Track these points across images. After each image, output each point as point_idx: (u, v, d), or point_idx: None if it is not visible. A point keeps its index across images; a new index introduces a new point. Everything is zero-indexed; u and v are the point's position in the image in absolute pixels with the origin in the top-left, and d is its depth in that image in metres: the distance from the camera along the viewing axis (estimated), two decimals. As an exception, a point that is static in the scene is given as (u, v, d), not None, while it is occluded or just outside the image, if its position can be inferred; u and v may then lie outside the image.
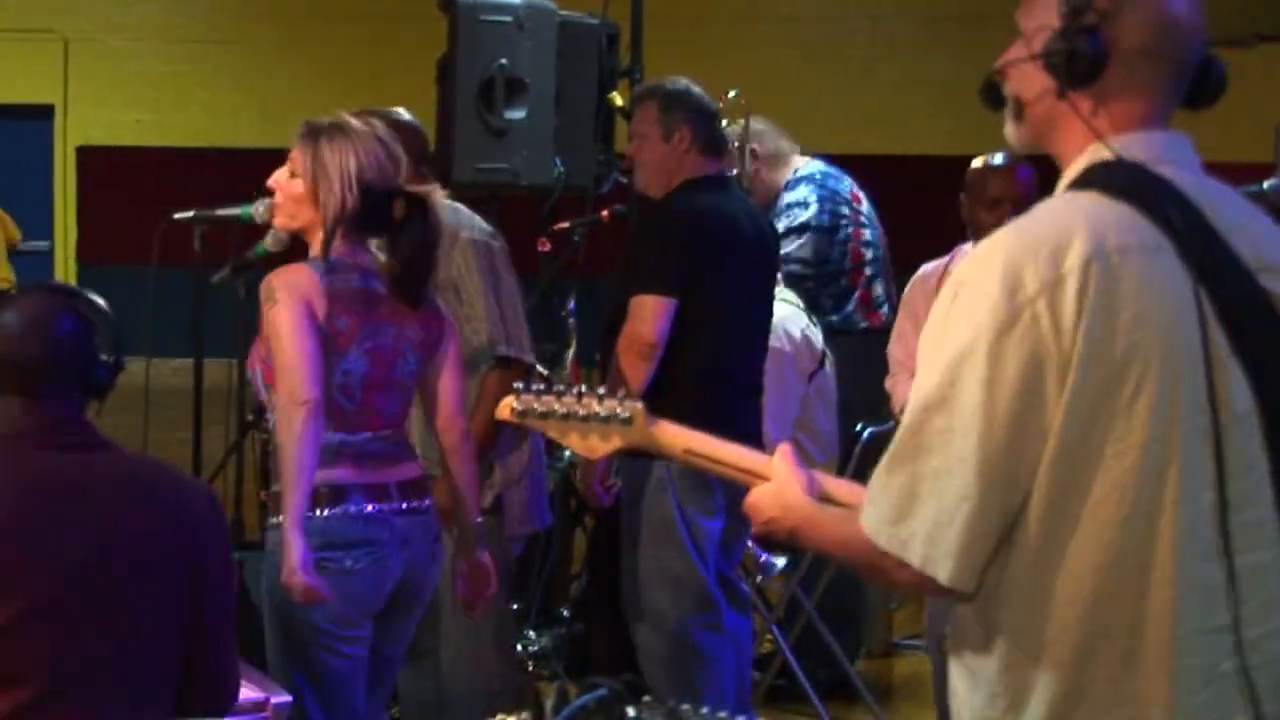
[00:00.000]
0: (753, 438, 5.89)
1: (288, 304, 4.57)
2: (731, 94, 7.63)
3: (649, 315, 5.76)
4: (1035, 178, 5.74)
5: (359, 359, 4.67)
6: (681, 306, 5.77)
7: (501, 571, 5.84)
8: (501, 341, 5.70)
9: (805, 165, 7.71)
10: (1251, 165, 7.48)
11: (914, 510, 2.64)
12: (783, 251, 6.97)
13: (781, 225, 7.44)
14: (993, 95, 2.89)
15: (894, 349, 6.08)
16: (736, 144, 7.46)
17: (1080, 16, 2.74)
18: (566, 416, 3.13)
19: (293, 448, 4.54)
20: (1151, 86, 2.75)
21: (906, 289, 6.22)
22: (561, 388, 3.15)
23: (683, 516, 5.85)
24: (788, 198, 7.55)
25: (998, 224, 5.59)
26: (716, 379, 5.88)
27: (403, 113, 5.75)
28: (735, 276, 5.93)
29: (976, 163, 5.94)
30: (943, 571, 2.63)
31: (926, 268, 6.14)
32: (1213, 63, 2.81)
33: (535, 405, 3.15)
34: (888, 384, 6.07)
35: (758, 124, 7.71)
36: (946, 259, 6.07)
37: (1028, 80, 2.81)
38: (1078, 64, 2.74)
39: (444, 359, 4.90)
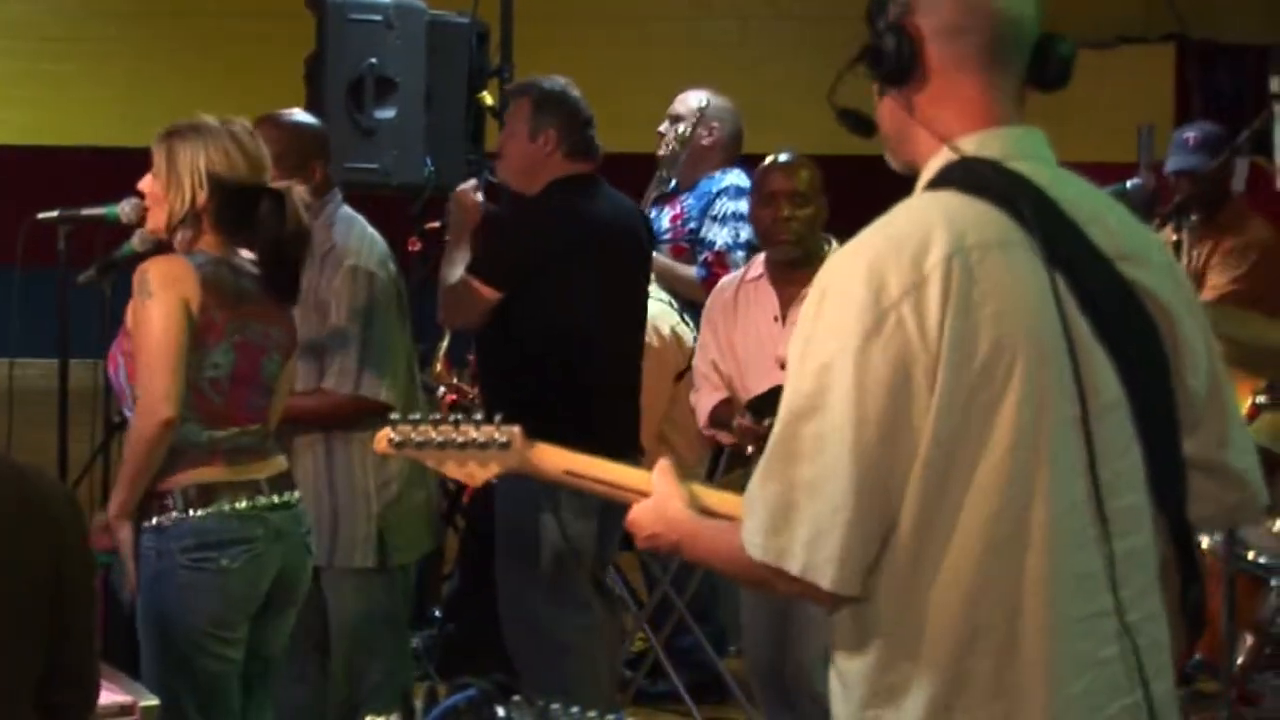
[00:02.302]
0: (630, 444, 5.91)
1: (162, 300, 4.54)
2: (705, 101, 7.66)
3: (464, 295, 5.78)
4: (820, 180, 5.73)
5: (227, 352, 4.65)
6: (539, 311, 5.75)
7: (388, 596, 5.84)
8: (349, 383, 5.66)
9: (739, 175, 7.59)
10: (1114, 165, 7.55)
11: (791, 519, 2.64)
12: (731, 269, 6.89)
13: (724, 232, 7.41)
14: (847, 119, 2.88)
15: (698, 361, 6.02)
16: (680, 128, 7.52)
17: (880, 14, 2.77)
18: (444, 445, 3.13)
19: (143, 456, 4.58)
20: (969, 64, 2.76)
21: (707, 302, 6.17)
22: (437, 416, 3.15)
23: (557, 518, 5.84)
24: (731, 206, 7.45)
25: (774, 220, 5.64)
26: (587, 387, 5.87)
27: (297, 113, 5.73)
28: (600, 281, 5.90)
29: (768, 158, 5.87)
30: (825, 578, 2.63)
31: (723, 281, 6.13)
32: (1052, 40, 2.81)
33: (412, 435, 3.15)
34: (691, 398, 6.04)
35: (722, 102, 7.72)
36: (743, 270, 6.05)
37: (876, 95, 2.84)
38: (885, 61, 2.76)
39: (292, 366, 4.95)
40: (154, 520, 4.64)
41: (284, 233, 4.70)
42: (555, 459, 3.15)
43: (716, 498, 3.00)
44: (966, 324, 2.60)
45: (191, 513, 4.62)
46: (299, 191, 4.78)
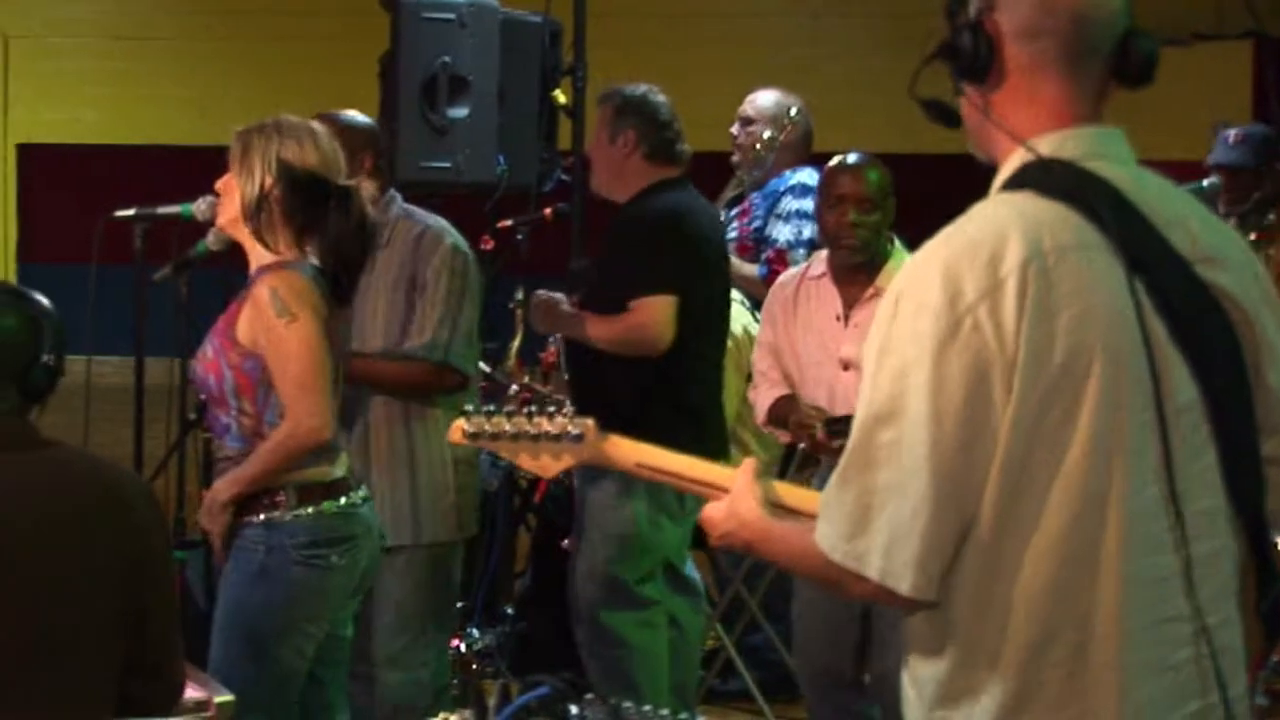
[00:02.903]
0: (723, 446, 5.95)
1: (308, 321, 4.59)
2: (795, 109, 7.66)
3: (653, 314, 5.78)
4: (889, 183, 5.68)
5: (334, 355, 4.72)
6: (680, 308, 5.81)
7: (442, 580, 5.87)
8: (440, 347, 5.70)
9: (808, 173, 7.60)
10: (1189, 164, 7.51)
11: (869, 524, 2.63)
12: (791, 268, 6.96)
13: (787, 230, 7.43)
14: (932, 109, 2.87)
15: (757, 359, 6.00)
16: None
17: (960, 11, 2.75)
18: (517, 436, 3.14)
19: (280, 465, 4.66)
20: (1050, 67, 2.74)
21: (767, 300, 6.18)
22: (511, 408, 3.16)
23: (649, 519, 5.87)
24: (795, 204, 7.47)
25: (840, 225, 5.60)
26: (708, 384, 5.95)
27: (353, 115, 5.75)
28: (713, 276, 6.00)
29: (833, 160, 5.83)
30: (904, 584, 2.63)
31: (784, 277, 6.09)
32: (1134, 36, 2.79)
33: (486, 426, 3.16)
34: (750, 395, 6.02)
35: (793, 101, 7.72)
36: (804, 267, 6.02)
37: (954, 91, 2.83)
38: (963, 59, 2.74)
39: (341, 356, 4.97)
40: (263, 516, 4.69)
41: (347, 228, 4.71)
42: (628, 451, 3.16)
43: (795, 494, 2.99)
44: (1043, 329, 2.59)
45: (306, 510, 4.68)
46: (366, 188, 4.80)
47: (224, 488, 4.74)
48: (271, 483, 4.69)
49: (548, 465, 3.18)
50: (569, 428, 3.12)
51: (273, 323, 4.60)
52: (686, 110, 6.35)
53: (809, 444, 5.64)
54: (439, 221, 5.86)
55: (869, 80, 15.45)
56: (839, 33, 17.50)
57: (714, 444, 5.79)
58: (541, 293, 6.19)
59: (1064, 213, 2.66)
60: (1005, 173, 2.77)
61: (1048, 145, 2.73)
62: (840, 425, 5.43)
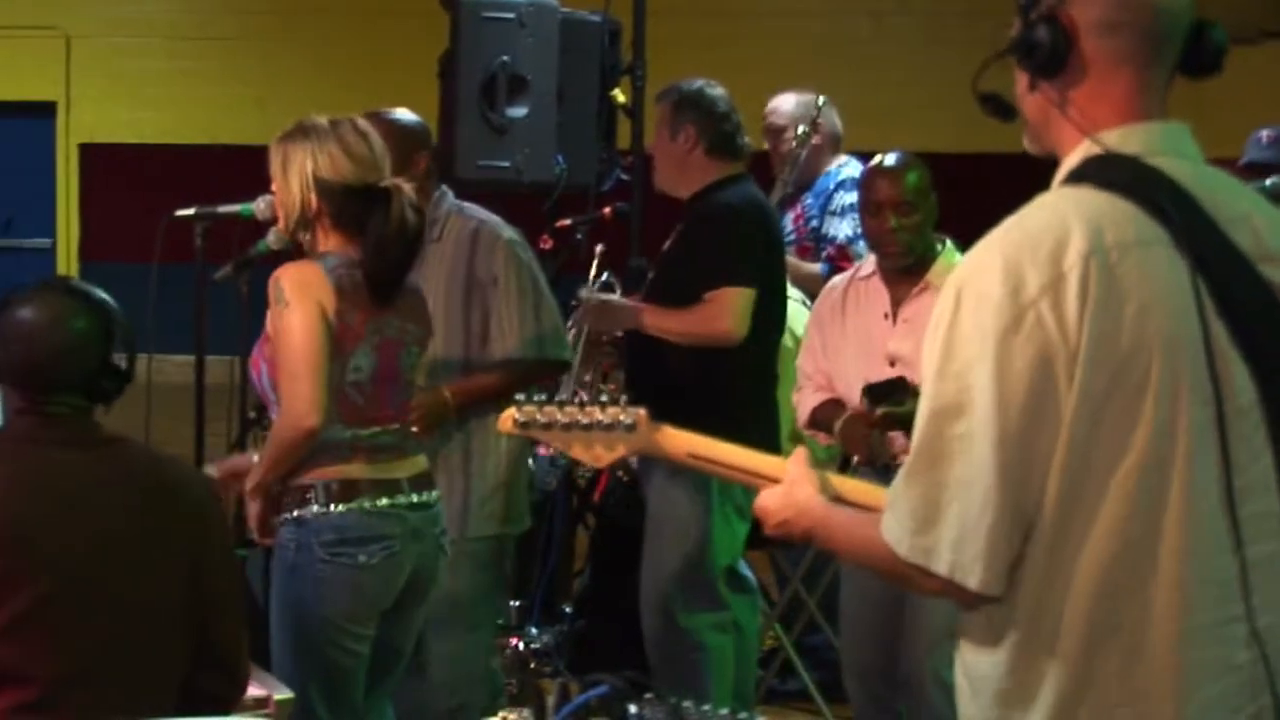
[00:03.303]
0: (775, 443, 5.94)
1: (300, 307, 4.58)
2: (821, 100, 7.66)
3: (729, 305, 5.79)
4: (927, 181, 5.64)
5: (368, 354, 4.70)
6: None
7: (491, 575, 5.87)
8: (533, 342, 5.71)
9: (854, 165, 7.62)
10: (1256, 163, 7.48)
11: (937, 519, 2.63)
12: (854, 262, 6.98)
13: (845, 225, 7.42)
14: (989, 104, 2.86)
15: (802, 361, 5.93)
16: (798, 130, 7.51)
17: (1035, 5, 2.73)
18: (569, 426, 3.13)
19: (284, 459, 4.66)
20: (1127, 61, 2.73)
21: (816, 303, 6.15)
22: (563, 397, 3.15)
23: (722, 514, 5.88)
24: (848, 198, 7.47)
25: (881, 230, 5.57)
26: (766, 377, 5.96)
27: (402, 113, 5.75)
28: (774, 270, 6.04)
29: (871, 162, 5.78)
30: (973, 578, 2.62)
31: (834, 280, 6.04)
32: (1205, 28, 2.78)
33: (538, 415, 3.15)
34: (794, 397, 5.99)
35: (811, 96, 7.72)
36: (855, 269, 5.99)
37: (1019, 82, 2.81)
38: (1038, 54, 2.73)
39: (426, 356, 5.00)
40: (294, 513, 4.70)
41: (388, 230, 4.71)
42: (680, 441, 3.14)
43: (849, 485, 2.98)
44: (1105, 324, 2.58)
45: (333, 507, 4.67)
46: (407, 190, 4.80)
47: (249, 477, 4.79)
48: (303, 479, 4.69)
49: (600, 455, 3.16)
50: (621, 417, 3.11)
51: (273, 311, 4.62)
52: (746, 109, 6.35)
53: (855, 450, 5.59)
54: (491, 217, 5.86)
55: (930, 78, 15.42)
56: (900, 31, 17.46)
57: (766, 438, 5.78)
58: (585, 292, 6.20)
59: (1126, 207, 2.65)
60: (1067, 165, 2.76)
61: (1112, 139, 2.71)
62: (875, 390, 5.41)
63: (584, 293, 6.30)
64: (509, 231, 5.82)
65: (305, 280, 4.62)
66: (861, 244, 7.26)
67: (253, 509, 4.77)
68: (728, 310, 5.83)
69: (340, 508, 4.68)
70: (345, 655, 4.74)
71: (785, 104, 7.71)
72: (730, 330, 5.83)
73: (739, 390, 5.87)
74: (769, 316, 6.00)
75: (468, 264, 5.70)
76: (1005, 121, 2.84)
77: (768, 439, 5.69)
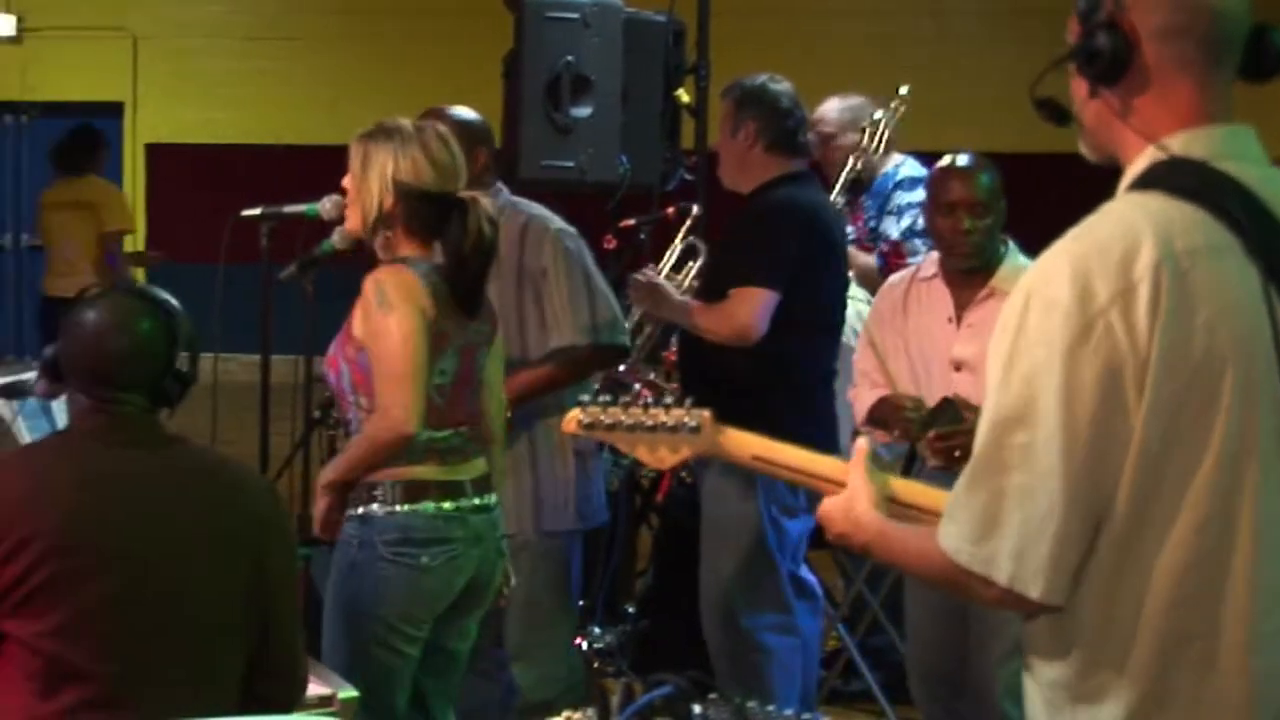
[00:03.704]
0: (830, 442, 5.92)
1: (405, 312, 4.59)
2: (904, 89, 7.62)
3: (749, 304, 5.78)
4: (999, 183, 5.61)
5: (452, 358, 4.73)
6: (789, 304, 5.78)
7: (565, 571, 5.87)
8: (586, 330, 5.71)
9: (912, 164, 7.60)
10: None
11: (998, 528, 2.61)
12: (909, 260, 6.98)
13: (903, 223, 7.40)
14: (1044, 109, 2.84)
15: (860, 359, 5.91)
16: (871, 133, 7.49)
17: (1095, 12, 2.71)
18: (633, 428, 3.12)
19: (371, 459, 4.66)
20: (1188, 66, 2.70)
21: (875, 300, 6.12)
22: (628, 398, 3.14)
23: (770, 518, 5.86)
24: (907, 197, 7.45)
25: (954, 230, 5.52)
26: (815, 379, 5.93)
27: (463, 110, 5.76)
28: (828, 269, 6.00)
29: (942, 162, 5.75)
30: (1034, 589, 2.60)
31: (893, 278, 6.00)
32: (1265, 31, 2.76)
33: (602, 417, 3.14)
34: (850, 394, 5.95)
35: (863, 99, 7.68)
36: (914, 268, 5.95)
37: (1076, 88, 2.79)
38: (1098, 61, 2.71)
39: (496, 352, 5.00)
40: (360, 510, 4.71)
41: (465, 244, 4.72)
42: (744, 444, 3.13)
43: (910, 489, 2.96)
44: (1177, 333, 2.56)
45: (399, 507, 4.68)
46: (485, 204, 4.80)
47: (325, 472, 4.80)
48: (371, 476, 4.70)
49: (664, 457, 3.15)
50: (685, 419, 3.10)
51: (373, 313, 4.62)
52: (811, 109, 6.35)
53: (901, 432, 5.57)
54: (541, 210, 5.87)
55: (992, 78, 15.36)
56: (963, 30, 17.40)
57: (818, 441, 5.76)
58: (641, 274, 6.19)
59: (1194, 213, 2.63)
60: (1133, 172, 2.73)
61: (1177, 144, 2.69)
62: (930, 417, 5.38)
63: (640, 273, 6.26)
64: (557, 223, 5.83)
65: (407, 284, 4.63)
66: (917, 241, 7.24)
67: (321, 504, 4.77)
68: (744, 309, 5.82)
69: (406, 508, 4.69)
70: (393, 656, 4.74)
71: (832, 110, 7.66)
72: (743, 329, 5.82)
73: (786, 392, 5.84)
74: (816, 318, 5.95)
75: (518, 257, 5.70)
76: (1061, 126, 2.83)
77: (820, 441, 5.67)
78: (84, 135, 12.35)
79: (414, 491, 4.70)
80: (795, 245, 5.88)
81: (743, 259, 5.94)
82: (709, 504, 6.01)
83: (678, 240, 6.88)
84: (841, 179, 7.44)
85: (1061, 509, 2.58)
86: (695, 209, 6.49)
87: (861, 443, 3.02)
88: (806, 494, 5.83)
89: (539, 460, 5.76)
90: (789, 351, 5.87)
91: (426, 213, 4.72)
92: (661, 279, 6.20)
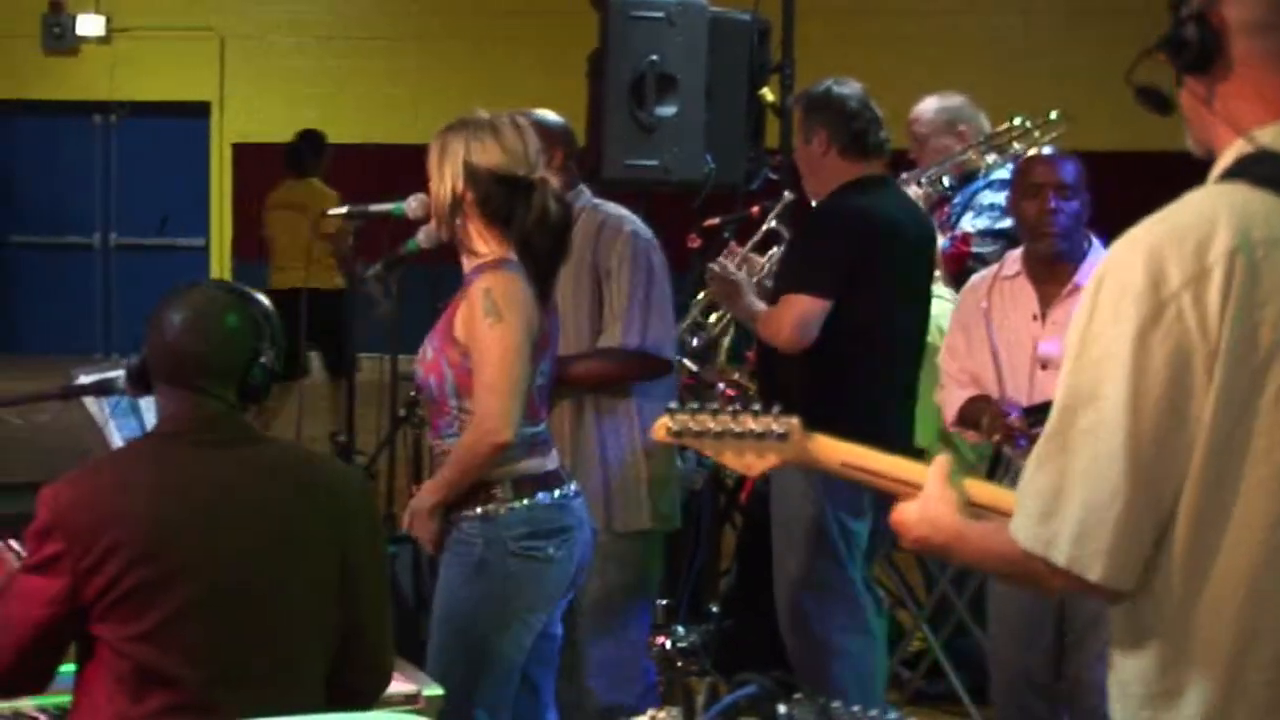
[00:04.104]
0: (906, 444, 5.88)
1: (512, 324, 4.63)
2: (1054, 115, 7.54)
3: (794, 313, 5.76)
4: (1083, 176, 5.58)
5: (548, 358, 4.76)
6: (842, 312, 5.75)
7: (637, 573, 5.88)
8: (635, 335, 5.71)
9: (1007, 167, 7.56)
10: None
11: (1060, 509, 2.60)
12: (974, 250, 6.94)
13: (980, 223, 7.37)
14: (1146, 97, 2.83)
15: (945, 360, 5.88)
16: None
17: (1186, 3, 2.70)
18: (721, 434, 3.12)
19: (472, 470, 4.70)
20: (1278, 60, 2.69)
21: (958, 301, 6.08)
22: (715, 405, 3.14)
23: (835, 519, 5.84)
24: (990, 197, 7.42)
25: (1039, 212, 5.49)
26: (876, 385, 5.88)
27: (544, 112, 5.77)
28: (894, 279, 5.92)
29: (1027, 154, 5.71)
30: (1094, 572, 2.59)
31: (976, 277, 5.97)
32: None
33: (690, 424, 3.14)
34: (937, 396, 5.91)
35: (961, 100, 7.62)
36: (996, 267, 5.91)
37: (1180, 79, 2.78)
38: (1186, 51, 2.70)
39: (555, 350, 5.01)
40: (479, 509, 4.74)
41: (529, 220, 4.74)
42: (833, 451, 3.12)
43: (989, 492, 2.95)
44: (1248, 321, 2.54)
45: (519, 503, 4.72)
46: (552, 183, 4.82)
47: (426, 495, 4.81)
48: (486, 477, 4.72)
49: (752, 464, 3.15)
50: (773, 426, 3.10)
51: (480, 321, 4.64)
52: (896, 108, 6.32)
53: (1003, 436, 5.54)
54: (620, 210, 5.86)
55: (1079, 75, 15.30)
56: (1049, 27, 17.33)
57: (899, 443, 5.74)
58: (720, 265, 6.17)
59: (1276, 204, 2.61)
60: (1222, 163, 2.72)
61: (1267, 137, 2.68)
62: (1034, 411, 5.36)
63: (719, 263, 6.24)
64: (634, 226, 5.81)
65: (516, 294, 4.66)
66: (987, 239, 7.20)
67: (430, 527, 4.78)
68: (788, 317, 5.80)
69: (526, 502, 4.74)
70: (516, 649, 4.80)
71: (928, 110, 7.61)
72: (786, 337, 5.80)
73: (842, 400, 5.77)
74: (877, 326, 5.92)
75: (591, 255, 5.70)
76: (1163, 115, 2.81)
77: (892, 439, 5.64)
78: (308, 140, 13.31)
79: (529, 485, 4.75)
80: (848, 252, 5.82)
81: (794, 266, 5.94)
82: (776, 507, 5.99)
83: (767, 223, 6.82)
84: (935, 168, 7.41)
85: (1124, 492, 2.56)
86: (787, 195, 6.43)
87: (941, 457, 3.01)
88: (870, 494, 5.82)
89: (609, 460, 5.76)
90: (846, 360, 5.82)
91: (497, 196, 4.74)
92: (741, 275, 6.17)
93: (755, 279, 6.28)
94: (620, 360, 5.72)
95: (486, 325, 4.62)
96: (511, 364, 4.62)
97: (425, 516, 4.78)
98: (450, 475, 4.73)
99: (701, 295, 7.09)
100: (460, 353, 4.69)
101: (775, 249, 6.69)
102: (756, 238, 6.54)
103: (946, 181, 7.42)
